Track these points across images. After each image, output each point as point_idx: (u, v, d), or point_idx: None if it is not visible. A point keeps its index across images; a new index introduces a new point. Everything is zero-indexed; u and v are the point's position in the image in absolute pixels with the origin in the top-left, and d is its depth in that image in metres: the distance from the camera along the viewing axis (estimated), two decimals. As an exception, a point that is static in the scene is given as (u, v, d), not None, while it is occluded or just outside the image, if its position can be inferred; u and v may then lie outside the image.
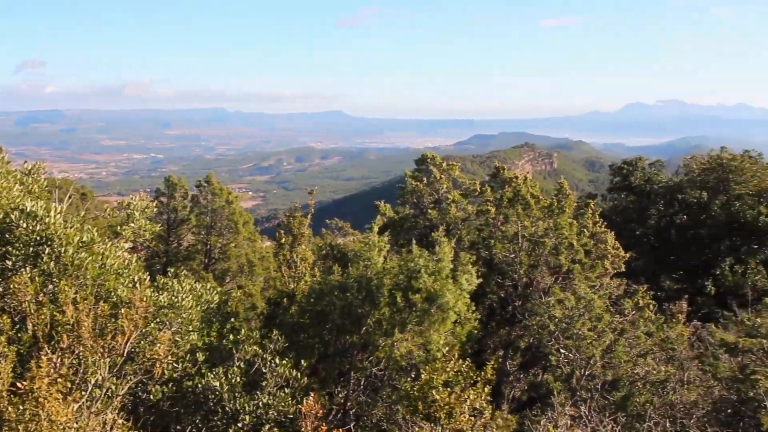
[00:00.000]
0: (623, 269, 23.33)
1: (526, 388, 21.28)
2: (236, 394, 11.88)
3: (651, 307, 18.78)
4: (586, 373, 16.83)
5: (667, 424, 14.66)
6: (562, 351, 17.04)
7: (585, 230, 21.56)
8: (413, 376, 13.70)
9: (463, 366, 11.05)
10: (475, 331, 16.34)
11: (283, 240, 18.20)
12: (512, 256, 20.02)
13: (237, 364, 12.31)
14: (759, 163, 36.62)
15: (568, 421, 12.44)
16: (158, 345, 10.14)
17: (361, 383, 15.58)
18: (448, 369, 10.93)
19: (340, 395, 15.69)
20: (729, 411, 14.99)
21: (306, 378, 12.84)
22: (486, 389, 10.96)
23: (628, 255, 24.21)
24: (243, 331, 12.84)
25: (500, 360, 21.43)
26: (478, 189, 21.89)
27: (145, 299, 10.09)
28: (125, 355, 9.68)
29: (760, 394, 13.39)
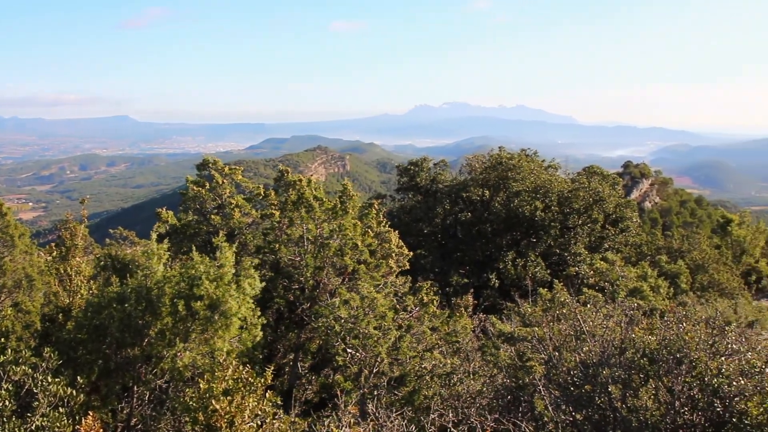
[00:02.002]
0: (408, 267, 24.00)
1: (317, 389, 21.43)
2: (5, 419, 11.15)
3: (435, 302, 19.44)
4: (374, 371, 17.15)
5: (450, 414, 15.20)
6: (349, 351, 17.26)
7: (369, 230, 22.00)
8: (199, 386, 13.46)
9: (243, 372, 10.91)
10: (261, 336, 16.26)
11: (54, 253, 17.31)
12: (298, 258, 20.08)
13: (5, 386, 11.54)
14: (535, 160, 38.98)
15: (352, 420, 12.62)
16: None
17: (146, 397, 15.13)
18: (227, 377, 10.73)
19: (123, 411, 15.17)
20: (509, 397, 15.79)
21: (84, 396, 12.26)
22: (268, 394, 10.90)
23: (412, 253, 24.94)
24: (9, 350, 12.06)
25: (291, 363, 21.51)
26: (263, 193, 21.86)
27: None
28: None
29: (535, 379, 14.20)
